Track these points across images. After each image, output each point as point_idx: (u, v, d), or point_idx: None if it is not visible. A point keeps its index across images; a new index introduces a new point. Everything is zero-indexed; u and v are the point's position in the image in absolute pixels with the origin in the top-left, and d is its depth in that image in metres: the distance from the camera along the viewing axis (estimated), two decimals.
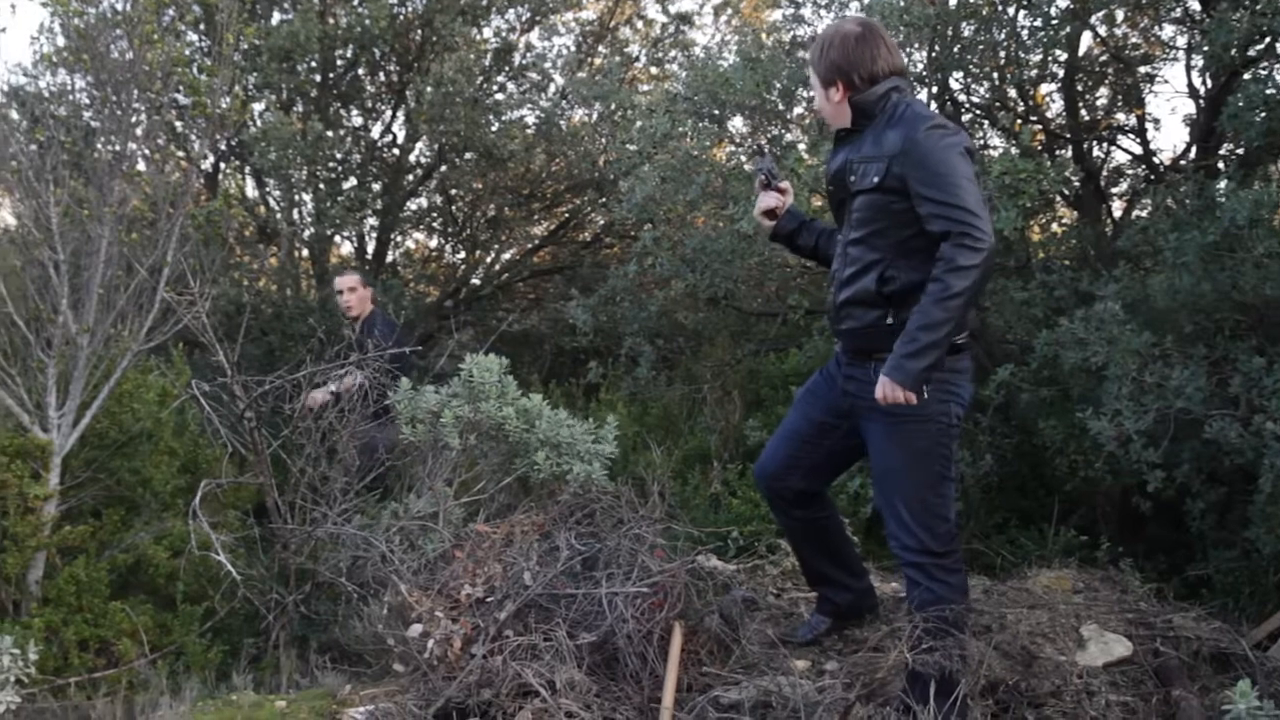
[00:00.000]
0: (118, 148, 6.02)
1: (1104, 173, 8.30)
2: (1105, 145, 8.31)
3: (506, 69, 12.33)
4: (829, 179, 3.89)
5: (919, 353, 3.38)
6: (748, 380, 8.79)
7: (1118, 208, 8.44)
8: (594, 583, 4.29)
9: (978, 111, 8.01)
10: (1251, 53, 6.23)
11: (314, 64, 11.28)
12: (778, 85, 7.62)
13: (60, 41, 8.68)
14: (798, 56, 7.91)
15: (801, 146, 7.61)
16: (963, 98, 7.90)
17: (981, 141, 7.96)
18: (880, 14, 6.61)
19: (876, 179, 3.55)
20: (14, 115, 6.87)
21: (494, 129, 11.39)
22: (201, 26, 9.79)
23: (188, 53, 6.88)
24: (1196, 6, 6.94)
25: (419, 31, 11.52)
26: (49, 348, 5.66)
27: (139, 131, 6.26)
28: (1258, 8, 5.89)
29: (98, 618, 5.41)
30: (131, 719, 4.59)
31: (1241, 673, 4.10)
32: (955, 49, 7.19)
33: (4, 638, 4.01)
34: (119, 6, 6.22)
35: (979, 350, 6.77)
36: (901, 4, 6.67)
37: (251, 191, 12.42)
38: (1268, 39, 6.18)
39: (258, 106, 11.25)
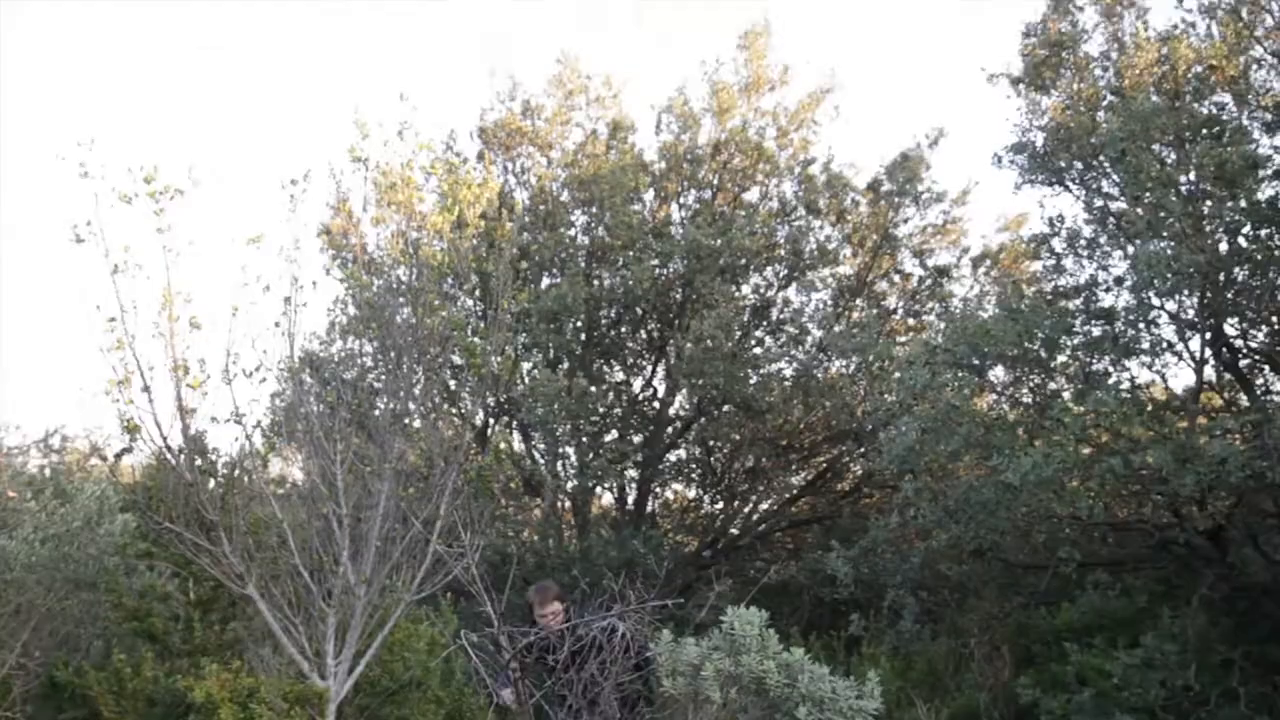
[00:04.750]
0: (397, 407, 6.38)
1: None
2: None
3: (764, 324, 12.66)
4: None
5: None
6: (1017, 635, 8.42)
7: None
8: None
9: (1257, 357, 7.71)
10: None
11: (579, 324, 11.85)
12: (1040, 335, 7.52)
13: (352, 311, 9.37)
14: (1059, 306, 7.82)
15: (1066, 395, 7.46)
16: (1239, 343, 7.62)
17: (1263, 387, 7.65)
18: (1146, 264, 6.52)
19: None
20: (307, 379, 7.39)
21: (752, 382, 11.61)
22: (477, 293, 10.43)
23: (464, 317, 7.30)
24: None
25: (679, 290, 11.99)
26: (329, 597, 5.92)
27: (417, 391, 6.62)
28: None
29: None
30: None
31: None
32: (1229, 294, 6.99)
33: None
34: (403, 276, 6.69)
35: None
36: (1169, 252, 6.56)
37: (518, 445, 12.91)
38: None
39: (526, 365, 11.83)
